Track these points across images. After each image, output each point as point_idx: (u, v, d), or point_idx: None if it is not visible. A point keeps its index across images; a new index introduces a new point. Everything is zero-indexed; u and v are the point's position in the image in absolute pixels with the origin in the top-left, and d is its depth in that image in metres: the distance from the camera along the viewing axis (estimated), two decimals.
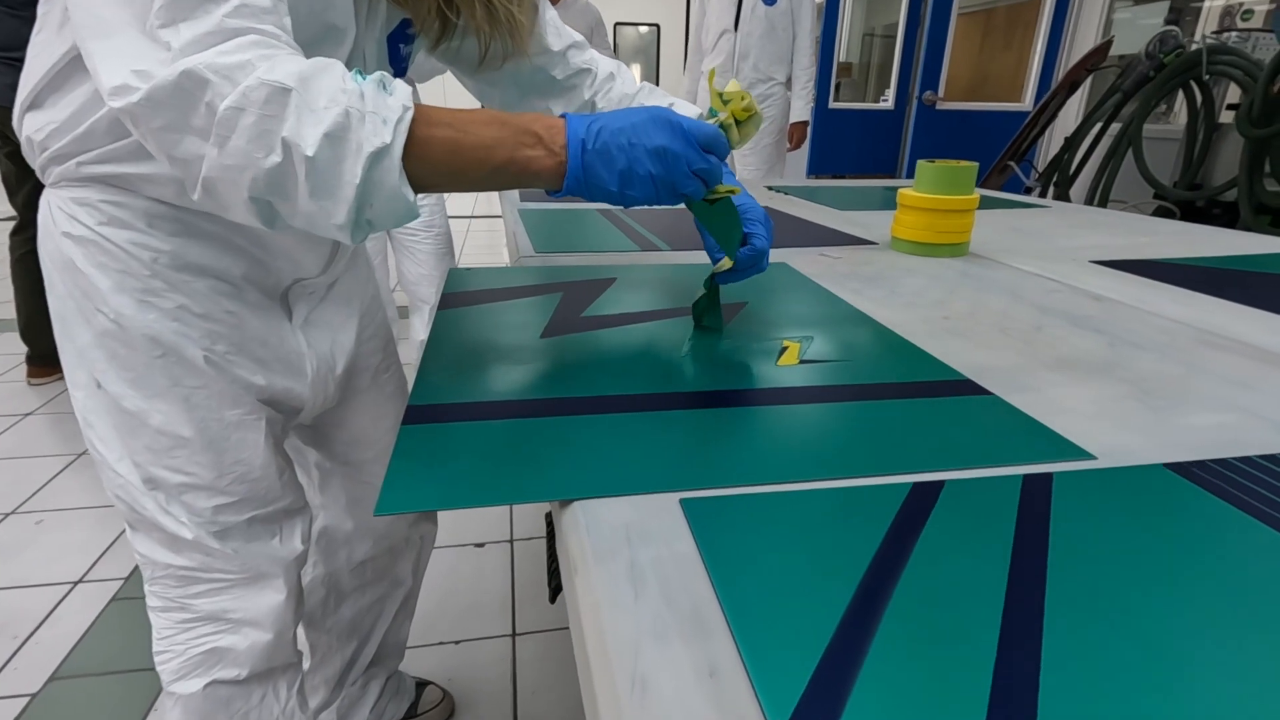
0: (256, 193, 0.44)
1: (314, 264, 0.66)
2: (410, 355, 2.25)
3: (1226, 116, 2.51)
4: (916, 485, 0.42)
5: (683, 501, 0.40)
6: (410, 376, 2.07)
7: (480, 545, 1.53)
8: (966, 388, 0.57)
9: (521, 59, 0.71)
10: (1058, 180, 2.80)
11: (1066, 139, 2.81)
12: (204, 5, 0.42)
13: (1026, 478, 0.43)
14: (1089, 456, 0.46)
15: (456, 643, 1.27)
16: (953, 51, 3.89)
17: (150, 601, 0.67)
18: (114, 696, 1.14)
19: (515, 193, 1.49)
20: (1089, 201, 2.64)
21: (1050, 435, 0.49)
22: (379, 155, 0.44)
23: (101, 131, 0.52)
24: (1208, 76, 2.33)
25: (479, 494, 0.41)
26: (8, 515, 1.61)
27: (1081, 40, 3.71)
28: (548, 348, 0.65)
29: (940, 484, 0.43)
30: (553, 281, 0.85)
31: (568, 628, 1.31)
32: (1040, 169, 2.94)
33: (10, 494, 1.68)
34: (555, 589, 0.61)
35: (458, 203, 5.46)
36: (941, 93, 3.89)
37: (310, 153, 0.42)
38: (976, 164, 1.00)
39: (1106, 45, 3.00)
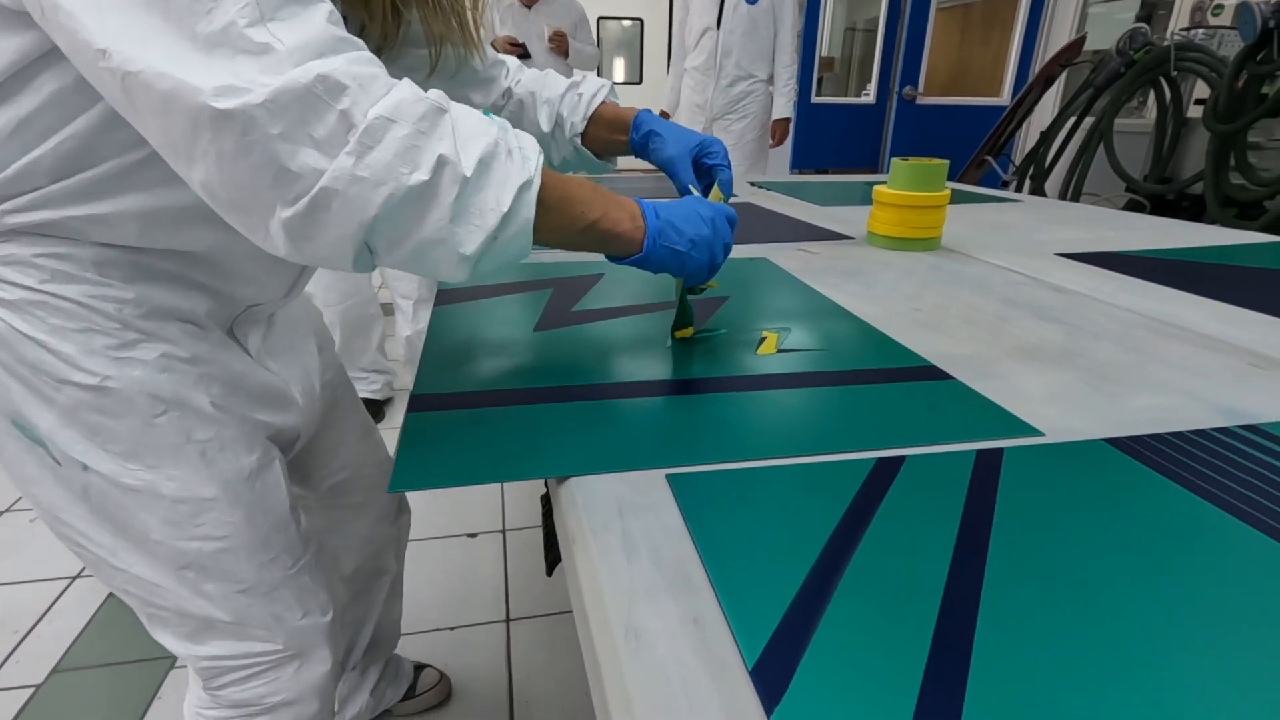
0: (386, 212, 0.40)
1: (280, 285, 0.61)
2: (396, 351, 2.28)
3: (1195, 111, 2.58)
4: (880, 460, 0.47)
5: (669, 477, 0.44)
6: (399, 372, 2.08)
7: (473, 535, 1.57)
8: (931, 373, 0.62)
9: (468, 64, 0.71)
10: (1033, 174, 2.86)
11: (1042, 133, 2.88)
12: (299, 6, 0.38)
13: (980, 453, 0.48)
14: (1038, 433, 0.51)
15: (452, 629, 1.30)
16: (932, 46, 3.95)
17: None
18: (116, 688, 1.16)
19: None
20: (1063, 195, 2.71)
21: (1004, 415, 0.54)
22: (524, 189, 0.45)
23: (43, 171, 0.44)
24: (1176, 73, 2.40)
25: (483, 472, 0.45)
26: (2, 514, 1.63)
27: (1057, 36, 3.78)
28: (541, 340, 0.68)
29: (901, 459, 0.47)
30: (543, 278, 0.89)
31: (560, 612, 1.36)
32: (1017, 163, 3.01)
33: (3, 493, 1.69)
34: (552, 562, 0.65)
35: None
36: (921, 88, 3.94)
37: (469, 173, 0.42)
38: (947, 161, 1.05)
39: (1080, 41, 3.07)
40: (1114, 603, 0.34)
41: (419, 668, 1.14)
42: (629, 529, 0.40)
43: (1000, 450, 0.48)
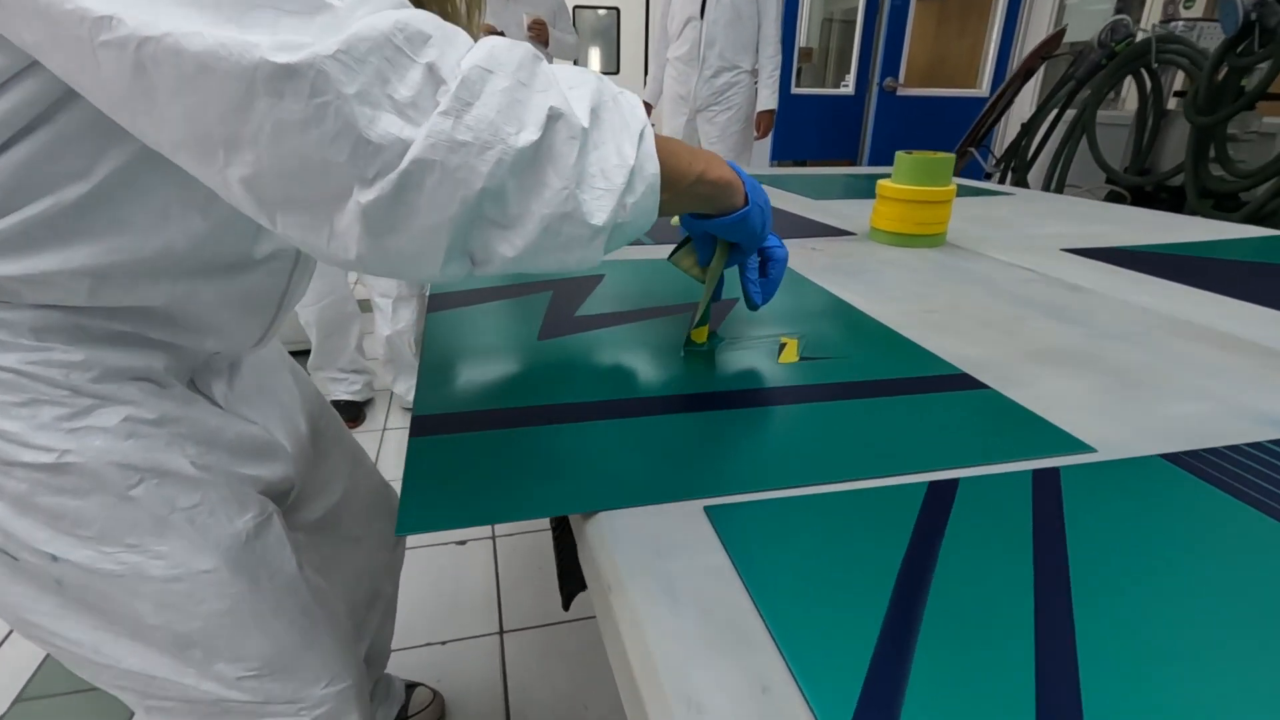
0: (494, 184, 0.33)
1: (251, 332, 0.55)
2: (375, 351, 2.20)
3: (1173, 104, 2.61)
4: (932, 485, 0.43)
5: (708, 510, 0.40)
6: (379, 372, 2.00)
7: (462, 543, 1.52)
8: (963, 382, 0.59)
9: None
10: (1015, 165, 2.87)
11: (1023, 125, 2.89)
12: None
13: (1036, 473, 0.45)
14: (1089, 449, 0.48)
15: (443, 643, 1.25)
16: (910, 38, 3.95)
17: None
18: (85, 716, 1.10)
19: None
20: (1045, 186, 2.72)
21: (1051, 429, 0.50)
22: (642, 138, 0.38)
23: None
24: (1156, 65, 2.41)
25: (498, 509, 0.41)
26: None
27: (1035, 27, 3.79)
28: (546, 350, 0.64)
29: (954, 482, 0.44)
30: (539, 279, 0.84)
31: (555, 623, 1.32)
32: (998, 155, 3.02)
33: None
34: (568, 594, 0.60)
35: None
36: (902, 79, 3.94)
37: (585, 124, 0.35)
38: (954, 155, 1.02)
39: (1060, 33, 3.08)
40: (1223, 634, 0.31)
41: (410, 687, 1.09)
42: (669, 572, 0.36)
43: (1056, 470, 0.45)
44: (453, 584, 1.39)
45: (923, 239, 1.05)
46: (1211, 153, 2.28)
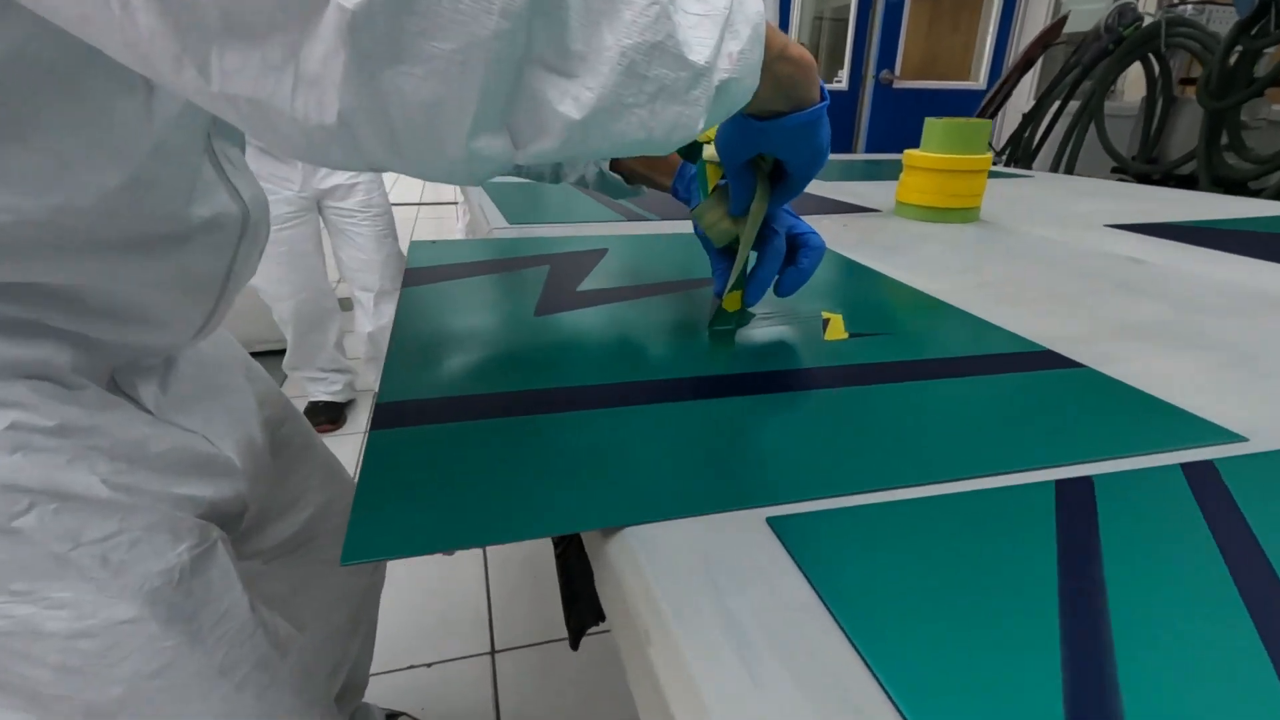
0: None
1: (187, 323, 0.44)
2: (357, 349, 2.08)
3: (1176, 91, 2.54)
4: (1060, 484, 0.33)
5: (772, 523, 0.30)
6: (361, 371, 1.88)
7: (449, 552, 1.40)
8: (1049, 360, 0.48)
9: None
10: (1019, 156, 2.79)
11: (1024, 115, 2.81)
12: None
13: (1185, 466, 0.35)
14: (1238, 438, 0.38)
15: (429, 665, 1.14)
16: (906, 32, 3.88)
17: None
18: None
19: None
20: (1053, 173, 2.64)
21: (1183, 415, 0.40)
22: None
23: None
24: (1166, 49, 2.34)
25: (486, 526, 0.30)
26: None
27: (1032, 18, 3.74)
28: (544, 327, 0.53)
29: (1086, 480, 0.33)
30: (536, 254, 0.73)
31: (551, 640, 1.21)
32: (998, 145, 2.94)
33: None
34: (577, 629, 0.49)
35: (404, 189, 5.20)
36: (898, 71, 3.87)
37: None
38: (990, 120, 0.93)
39: (1061, 21, 3.01)
40: None
41: (392, 717, 0.98)
42: (733, 611, 0.25)
43: (1208, 463, 0.35)
44: (439, 598, 1.28)
45: (955, 213, 0.95)
46: (1224, 139, 2.21)
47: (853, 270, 0.71)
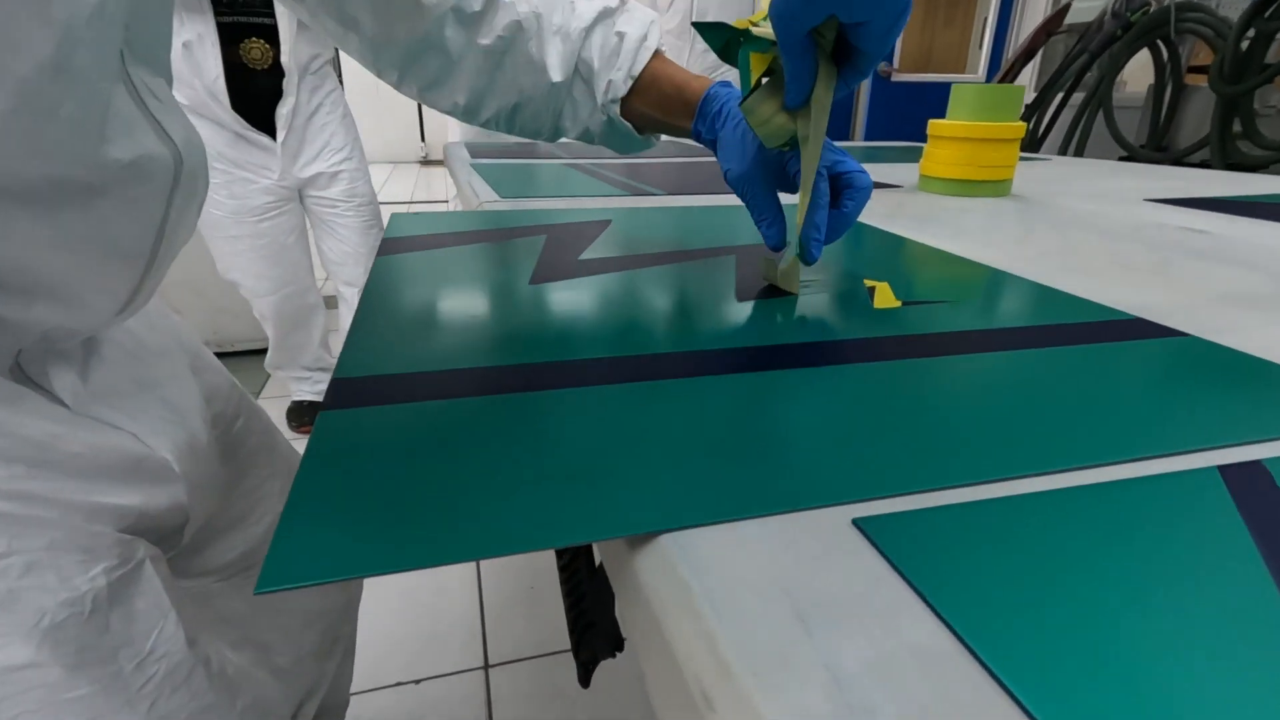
0: None
1: (115, 290, 0.36)
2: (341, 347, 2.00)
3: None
4: (1225, 470, 0.25)
5: (861, 524, 0.22)
6: None
7: None
8: (1145, 328, 0.41)
9: None
10: (1024, 145, 2.73)
11: (1028, 105, 2.75)
12: None
13: None
14: None
15: (417, 682, 1.05)
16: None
17: None
18: None
19: (464, 150, 1.26)
20: None
21: None
22: None
23: None
24: (1175, 35, 2.28)
25: (464, 537, 0.22)
26: None
27: (1032, 9, 3.69)
28: (543, 297, 0.45)
29: (1254, 465, 0.25)
30: (531, 225, 0.65)
31: (550, 653, 1.12)
32: None
33: None
34: (586, 664, 0.40)
35: (393, 188, 5.11)
36: (897, 64, 3.82)
37: None
38: (1023, 85, 0.85)
39: (1065, 9, 2.95)
40: None
41: None
42: (838, 663, 0.17)
43: None
44: (428, 612, 1.19)
45: (987, 186, 0.88)
46: (1236, 126, 2.14)
47: (887, 240, 0.63)
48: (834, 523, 0.22)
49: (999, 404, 0.30)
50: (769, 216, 0.46)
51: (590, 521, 0.22)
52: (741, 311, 0.43)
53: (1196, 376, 0.34)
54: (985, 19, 3.91)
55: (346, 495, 0.23)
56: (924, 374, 0.33)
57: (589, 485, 0.24)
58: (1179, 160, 2.41)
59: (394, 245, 0.57)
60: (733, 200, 0.56)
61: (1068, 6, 3.01)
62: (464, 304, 0.44)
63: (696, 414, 0.29)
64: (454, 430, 0.28)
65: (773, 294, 0.46)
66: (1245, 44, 2.06)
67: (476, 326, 0.40)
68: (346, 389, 0.31)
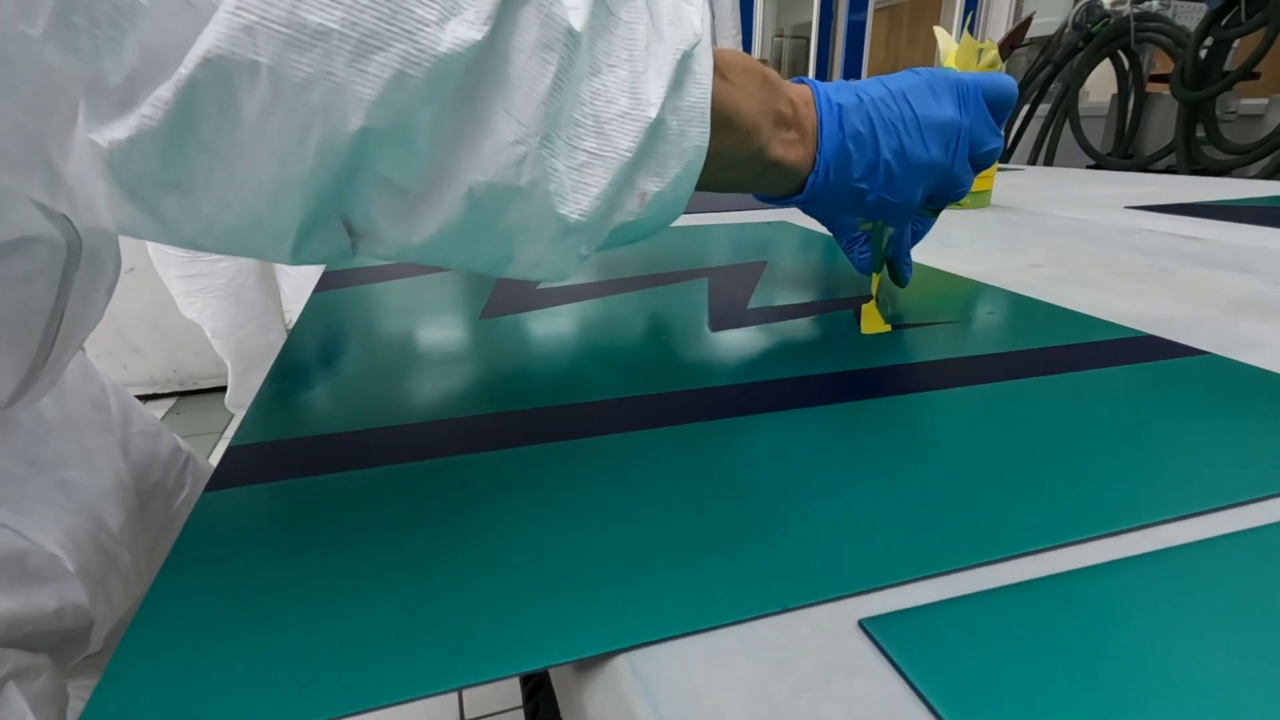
0: (389, 118, 0.17)
1: (3, 375, 0.30)
2: None
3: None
4: None
5: (869, 626, 0.17)
6: None
7: None
8: (1158, 347, 0.37)
9: None
10: None
11: None
12: None
13: None
14: None
15: None
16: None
17: None
18: None
19: None
20: None
21: None
22: (686, 63, 0.23)
23: None
24: (1136, 45, 2.32)
25: (374, 677, 0.17)
26: None
27: (993, 25, 3.76)
28: (492, 333, 0.40)
29: None
30: None
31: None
32: None
33: None
34: None
35: None
36: None
37: (578, 27, 0.20)
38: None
39: (1026, 23, 3.00)
40: None
41: None
42: None
43: None
44: None
45: (968, 198, 0.85)
46: (1200, 131, 2.17)
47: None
48: (835, 623, 0.17)
49: (1022, 447, 0.26)
50: (860, 238, 0.45)
51: (538, 645, 0.17)
52: (715, 344, 0.38)
53: (1228, 402, 0.30)
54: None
55: (210, 621, 0.18)
56: (927, 413, 0.29)
57: (525, 595, 0.19)
58: (1146, 166, 2.44)
59: (335, 279, 0.51)
60: (705, 219, 0.52)
61: (1029, 20, 3.06)
62: (403, 345, 0.39)
63: (660, 481, 0.24)
64: (364, 512, 0.22)
65: (751, 322, 0.41)
66: (1204, 52, 2.10)
67: (414, 372, 0.35)
68: (245, 459, 0.26)
